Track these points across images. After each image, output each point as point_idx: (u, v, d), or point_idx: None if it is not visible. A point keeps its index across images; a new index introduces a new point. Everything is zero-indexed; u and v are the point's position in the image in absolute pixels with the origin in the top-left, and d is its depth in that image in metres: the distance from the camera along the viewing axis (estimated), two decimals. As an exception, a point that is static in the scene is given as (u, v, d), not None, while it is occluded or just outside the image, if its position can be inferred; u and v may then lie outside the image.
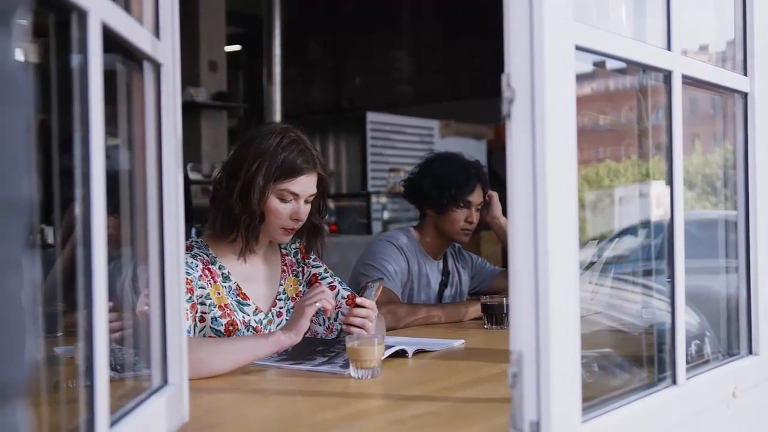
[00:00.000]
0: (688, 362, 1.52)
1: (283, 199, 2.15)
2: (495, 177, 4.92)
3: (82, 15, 0.97)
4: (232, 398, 1.72)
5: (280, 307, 2.28)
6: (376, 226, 7.26)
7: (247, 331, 2.16)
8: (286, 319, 2.24)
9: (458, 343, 2.30)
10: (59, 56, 1.03)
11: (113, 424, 1.07)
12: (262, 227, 2.18)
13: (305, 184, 2.16)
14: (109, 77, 1.06)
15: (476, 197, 2.95)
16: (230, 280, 2.18)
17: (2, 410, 0.56)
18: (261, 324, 2.20)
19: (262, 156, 2.11)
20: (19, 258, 0.56)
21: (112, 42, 1.09)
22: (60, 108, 1.01)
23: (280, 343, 1.93)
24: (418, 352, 2.13)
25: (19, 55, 0.58)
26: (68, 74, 1.00)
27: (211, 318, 2.11)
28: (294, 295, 2.31)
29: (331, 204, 7.63)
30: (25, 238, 0.57)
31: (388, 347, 1.98)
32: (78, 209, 0.99)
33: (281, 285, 2.30)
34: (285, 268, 2.33)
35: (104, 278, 1.00)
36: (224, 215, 2.16)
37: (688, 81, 1.54)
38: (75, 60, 0.99)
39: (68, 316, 1.34)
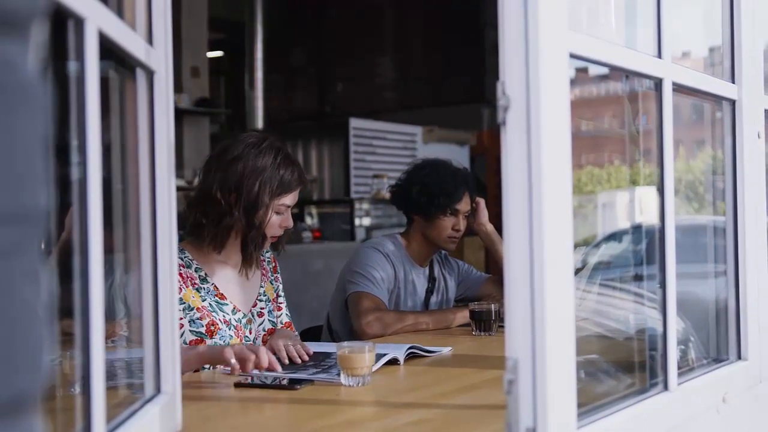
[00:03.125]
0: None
1: (278, 212, 2.25)
2: (477, 182, 4.93)
3: (79, 22, 0.97)
4: (224, 407, 1.71)
5: (261, 308, 2.36)
6: (360, 233, 7.24)
7: (229, 329, 2.22)
8: (269, 320, 2.35)
9: (446, 350, 2.30)
10: (54, 63, 1.03)
11: (109, 433, 1.06)
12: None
13: (296, 196, 2.29)
14: (102, 84, 1.05)
15: (464, 205, 2.95)
16: (208, 282, 2.24)
17: (22, 420, 0.56)
18: (240, 323, 2.27)
19: (262, 174, 2.19)
20: (36, 268, 0.56)
21: (106, 49, 1.08)
22: (55, 115, 1.00)
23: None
24: (410, 356, 2.13)
25: (35, 65, 0.58)
26: (64, 81, 0.99)
27: (189, 321, 2.16)
28: (272, 299, 2.40)
29: (314, 210, 7.62)
30: (42, 248, 0.57)
31: (379, 356, 1.98)
32: (74, 217, 0.98)
33: (261, 287, 2.38)
34: (264, 271, 2.42)
35: (100, 287, 0.99)
36: (223, 232, 2.21)
37: (678, 88, 1.55)
38: (71, 67, 0.99)
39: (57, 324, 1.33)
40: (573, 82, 1.43)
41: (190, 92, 7.56)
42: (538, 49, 1.14)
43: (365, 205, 7.42)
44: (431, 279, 3.08)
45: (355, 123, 7.86)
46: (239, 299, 2.29)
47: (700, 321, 1.90)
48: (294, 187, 2.26)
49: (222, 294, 2.25)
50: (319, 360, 2.10)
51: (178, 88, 7.32)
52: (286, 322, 2.42)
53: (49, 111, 0.59)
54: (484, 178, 7.37)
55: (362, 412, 1.65)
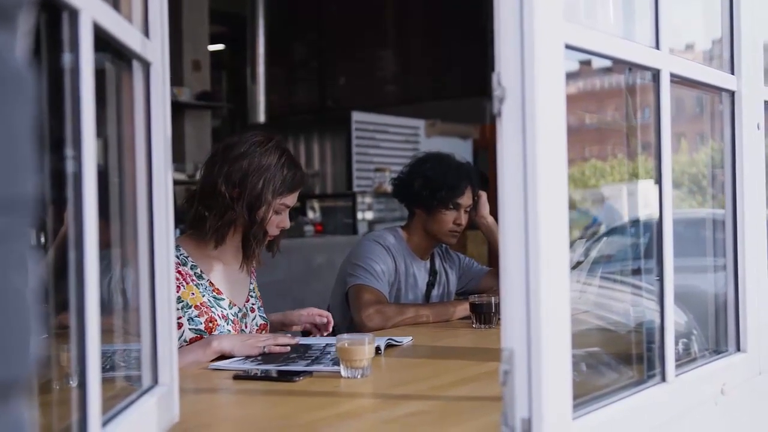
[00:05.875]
0: (676, 360, 1.52)
1: (277, 212, 2.27)
2: (481, 176, 4.92)
3: (74, 14, 0.97)
4: (222, 399, 1.72)
5: (253, 304, 2.39)
6: (362, 227, 7.24)
7: (226, 324, 2.24)
8: (260, 315, 2.38)
9: (407, 340, 2.32)
10: (48, 55, 1.03)
11: (105, 424, 1.07)
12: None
13: (296, 197, 2.32)
14: (98, 77, 1.05)
15: (466, 200, 2.95)
16: (204, 278, 2.26)
17: (9, 407, 0.56)
18: (237, 317, 2.29)
19: (266, 173, 2.22)
20: (25, 255, 0.56)
21: (102, 41, 1.08)
22: (49, 107, 1.00)
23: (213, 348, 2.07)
24: (389, 346, 2.18)
25: (22, 54, 0.58)
26: (58, 73, 0.99)
27: (188, 319, 2.18)
28: (258, 297, 2.43)
29: (316, 204, 7.62)
30: (30, 236, 0.58)
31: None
32: (69, 210, 0.98)
33: (251, 283, 2.42)
34: (252, 269, 2.45)
35: (96, 279, 0.99)
36: (225, 226, 2.23)
37: (676, 79, 1.55)
38: (66, 59, 0.99)
39: (54, 318, 1.34)
40: (576, 75, 1.43)
41: (192, 86, 7.56)
42: (533, 40, 1.13)
43: (367, 199, 7.43)
44: (432, 272, 3.08)
45: (357, 116, 7.85)
46: (233, 295, 2.31)
47: (700, 313, 1.90)
48: (295, 187, 2.29)
49: (218, 289, 2.27)
50: (303, 352, 2.10)
51: (180, 81, 7.33)
52: (261, 324, 2.41)
53: (37, 100, 0.59)
54: (488, 172, 7.36)
55: (360, 404, 1.65)
